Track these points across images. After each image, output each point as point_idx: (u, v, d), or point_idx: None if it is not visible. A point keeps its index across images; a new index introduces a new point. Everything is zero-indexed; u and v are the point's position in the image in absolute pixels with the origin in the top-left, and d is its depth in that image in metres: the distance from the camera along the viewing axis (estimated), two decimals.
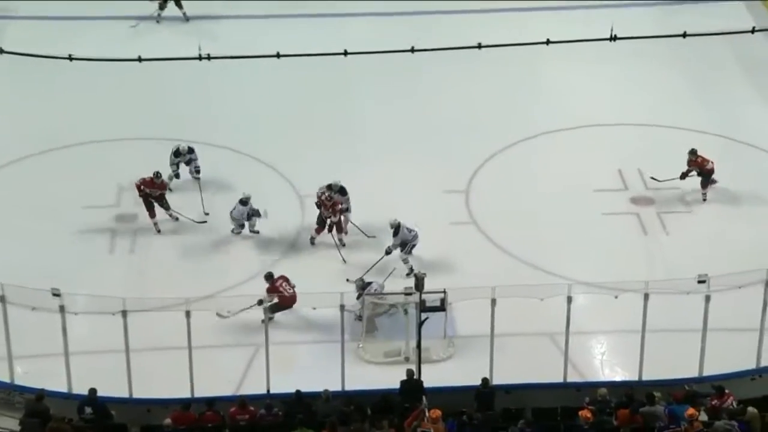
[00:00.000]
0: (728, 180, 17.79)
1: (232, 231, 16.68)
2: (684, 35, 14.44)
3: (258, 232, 16.63)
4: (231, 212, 16.55)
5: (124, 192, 17.37)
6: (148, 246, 16.57)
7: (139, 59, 13.69)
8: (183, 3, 22.03)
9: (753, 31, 16.08)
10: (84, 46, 17.95)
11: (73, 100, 19.73)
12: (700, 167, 17.30)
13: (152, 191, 16.43)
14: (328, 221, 16.25)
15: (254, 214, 16.52)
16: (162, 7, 22.05)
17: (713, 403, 13.00)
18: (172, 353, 13.76)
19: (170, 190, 16.97)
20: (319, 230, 16.40)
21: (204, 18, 21.83)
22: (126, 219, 17.02)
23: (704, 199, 17.39)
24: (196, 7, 21.99)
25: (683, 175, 17.37)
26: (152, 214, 16.51)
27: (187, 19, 21.93)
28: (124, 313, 13.23)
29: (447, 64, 18.38)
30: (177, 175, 17.32)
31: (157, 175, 16.43)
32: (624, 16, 19.26)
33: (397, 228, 15.82)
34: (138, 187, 16.49)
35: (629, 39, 14.51)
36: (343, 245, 16.34)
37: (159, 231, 16.52)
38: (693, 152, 17.33)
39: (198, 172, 17.38)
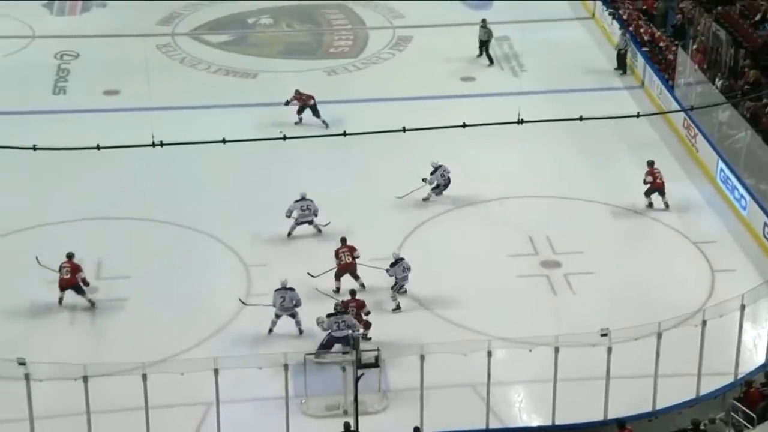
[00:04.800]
0: (621, 242, 18.27)
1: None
2: (581, 119, 14.81)
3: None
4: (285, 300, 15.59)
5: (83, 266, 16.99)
6: (105, 315, 16.35)
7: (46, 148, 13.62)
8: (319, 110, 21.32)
9: (638, 115, 16.78)
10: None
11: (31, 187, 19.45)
12: (653, 179, 18.73)
13: None
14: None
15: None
16: (300, 112, 21.30)
17: None
18: (130, 414, 13.53)
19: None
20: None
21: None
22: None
23: (667, 205, 18.79)
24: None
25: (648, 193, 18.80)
26: None
27: (326, 125, 21.12)
28: (85, 379, 13.04)
29: (376, 145, 18.60)
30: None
31: None
32: (529, 102, 19.76)
33: (397, 260, 16.33)
34: None
35: (534, 122, 14.85)
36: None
37: None
38: (650, 163, 18.93)
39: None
